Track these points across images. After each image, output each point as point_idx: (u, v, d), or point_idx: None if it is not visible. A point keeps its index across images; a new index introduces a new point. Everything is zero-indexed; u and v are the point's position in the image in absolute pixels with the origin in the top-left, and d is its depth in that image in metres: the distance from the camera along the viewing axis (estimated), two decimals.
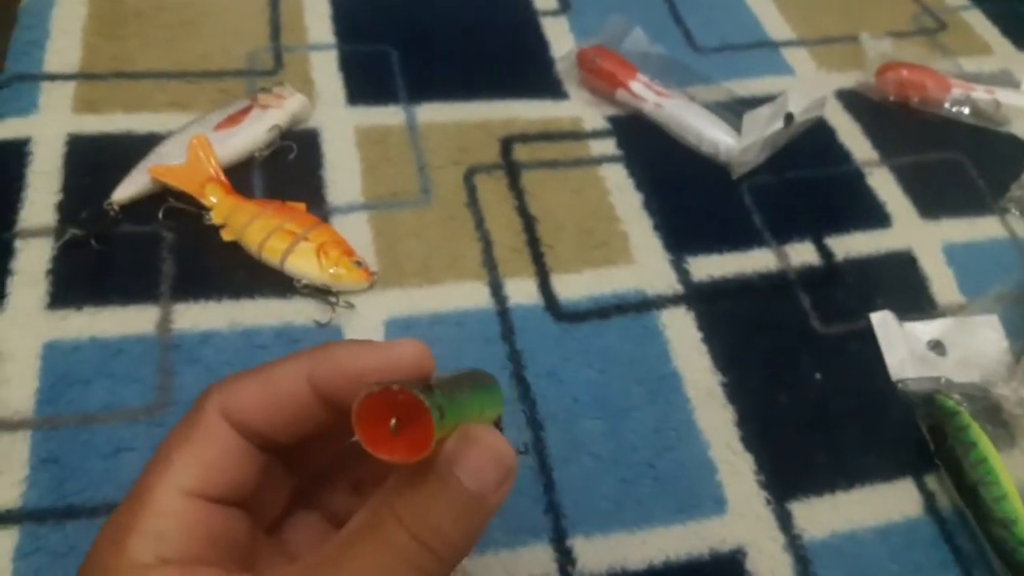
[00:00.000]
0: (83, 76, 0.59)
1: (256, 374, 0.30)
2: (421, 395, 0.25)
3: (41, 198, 0.52)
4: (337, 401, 0.29)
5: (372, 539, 0.26)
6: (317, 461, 0.34)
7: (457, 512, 0.27)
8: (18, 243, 0.50)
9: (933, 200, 0.61)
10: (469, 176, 0.58)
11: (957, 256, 0.58)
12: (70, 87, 0.58)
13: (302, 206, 0.53)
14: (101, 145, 0.56)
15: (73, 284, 0.49)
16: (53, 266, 0.49)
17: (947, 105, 0.67)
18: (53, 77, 0.59)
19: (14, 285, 0.48)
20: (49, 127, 0.56)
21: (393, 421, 0.27)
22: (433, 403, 0.25)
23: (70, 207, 0.52)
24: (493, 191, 0.57)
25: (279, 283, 0.50)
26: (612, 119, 0.63)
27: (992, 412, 0.48)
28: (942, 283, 0.56)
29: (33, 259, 0.50)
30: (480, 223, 0.55)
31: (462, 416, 0.28)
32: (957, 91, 0.67)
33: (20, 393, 0.44)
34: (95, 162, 0.54)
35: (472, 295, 0.52)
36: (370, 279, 0.51)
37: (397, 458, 0.26)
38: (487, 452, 0.27)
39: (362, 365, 0.30)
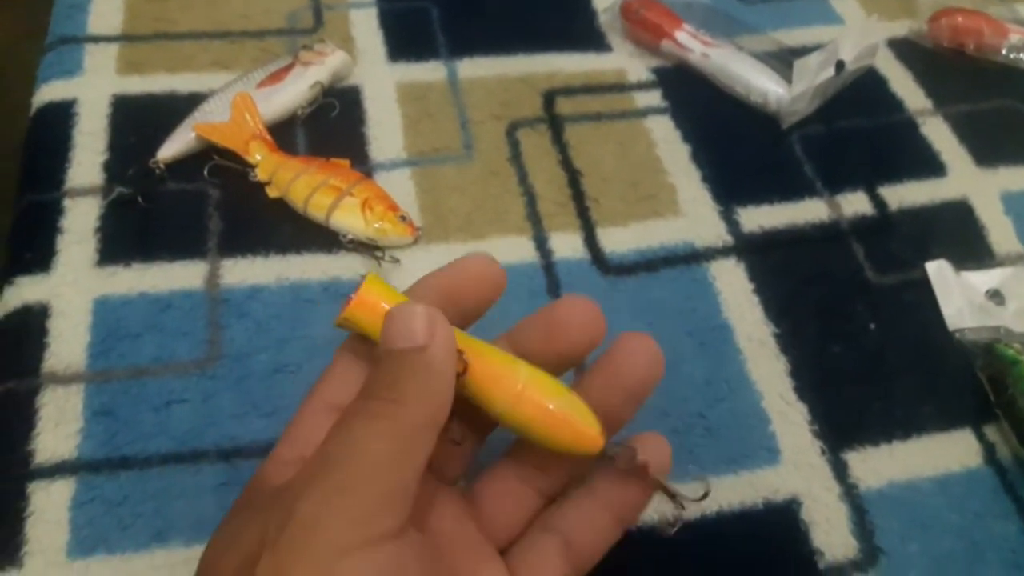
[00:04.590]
0: (126, 38, 0.59)
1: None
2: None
3: (88, 158, 0.53)
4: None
5: (347, 416, 0.30)
6: None
7: (395, 366, 0.30)
8: (66, 202, 0.50)
9: (990, 148, 0.59)
10: (512, 131, 0.57)
11: (1015, 205, 0.56)
12: (113, 49, 0.58)
13: (346, 162, 0.53)
14: (145, 105, 0.56)
15: (121, 241, 0.49)
16: (101, 224, 0.50)
17: (1004, 52, 0.64)
18: (96, 39, 0.59)
19: (63, 243, 0.49)
20: (94, 88, 0.56)
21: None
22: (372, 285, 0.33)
23: (116, 166, 0.52)
24: (536, 145, 0.57)
25: (325, 238, 0.50)
26: (657, 70, 0.62)
27: None
28: (1000, 232, 0.55)
29: (81, 217, 0.50)
30: (524, 178, 0.55)
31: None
32: (1015, 37, 0.64)
33: (72, 348, 0.45)
34: (140, 122, 0.55)
35: (517, 249, 0.51)
36: (415, 234, 0.51)
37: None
38: (391, 316, 0.31)
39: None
